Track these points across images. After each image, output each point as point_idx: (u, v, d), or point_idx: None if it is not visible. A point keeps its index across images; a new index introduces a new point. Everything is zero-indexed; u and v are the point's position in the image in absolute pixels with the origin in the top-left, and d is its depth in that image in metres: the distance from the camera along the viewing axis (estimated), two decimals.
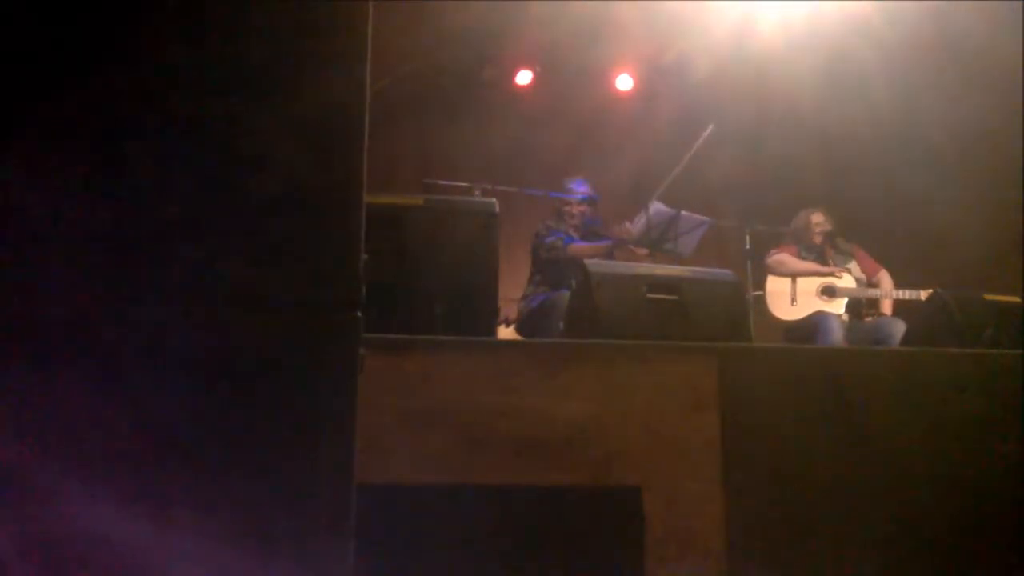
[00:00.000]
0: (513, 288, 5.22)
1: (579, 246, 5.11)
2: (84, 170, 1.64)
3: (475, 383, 2.62)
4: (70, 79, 1.65)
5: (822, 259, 5.48)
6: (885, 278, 5.41)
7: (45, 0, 1.66)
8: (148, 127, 1.67)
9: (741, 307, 3.43)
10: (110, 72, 1.66)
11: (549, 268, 5.06)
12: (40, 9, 1.66)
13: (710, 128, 5.20)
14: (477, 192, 5.03)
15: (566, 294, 4.40)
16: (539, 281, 5.09)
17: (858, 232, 5.77)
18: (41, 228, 1.60)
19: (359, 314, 1.69)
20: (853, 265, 5.44)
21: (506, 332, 5.25)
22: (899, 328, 4.83)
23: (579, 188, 5.33)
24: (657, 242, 5.12)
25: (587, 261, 3.87)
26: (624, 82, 7.03)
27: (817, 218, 5.53)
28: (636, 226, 5.13)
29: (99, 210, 1.63)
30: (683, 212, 5.14)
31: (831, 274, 5.36)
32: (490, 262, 3.11)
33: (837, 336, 5.03)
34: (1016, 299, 3.83)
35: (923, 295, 4.94)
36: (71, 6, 1.67)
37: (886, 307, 5.35)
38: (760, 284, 5.52)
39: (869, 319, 5.30)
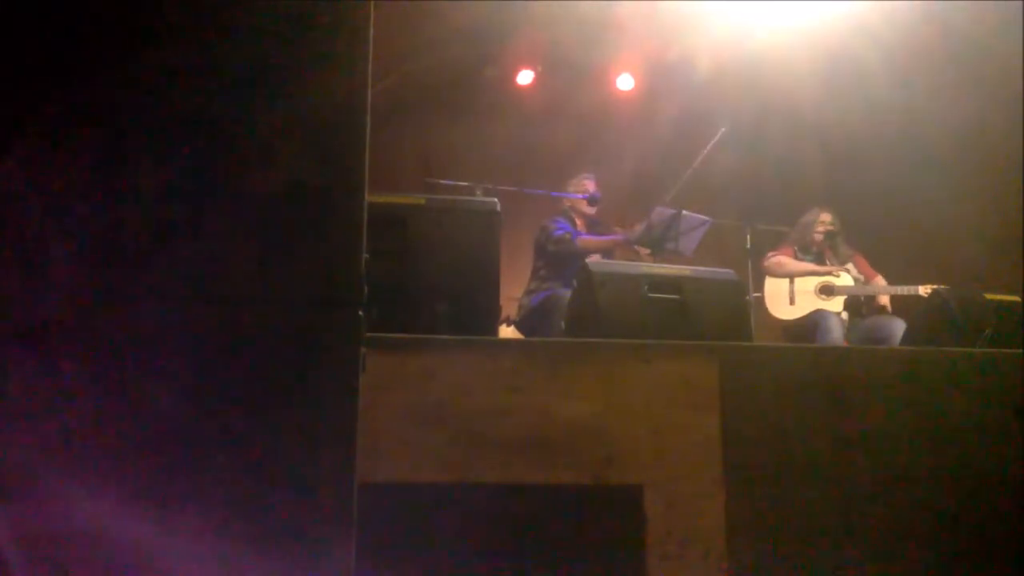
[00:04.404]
0: (515, 287, 5.22)
1: (588, 239, 5.13)
2: (86, 170, 1.64)
3: (476, 382, 2.62)
4: (71, 79, 1.66)
5: (820, 259, 5.49)
6: (881, 283, 5.42)
7: (48, 3, 1.66)
8: (149, 126, 1.68)
9: (742, 306, 3.43)
10: (111, 72, 1.67)
11: (556, 261, 5.07)
12: (42, 10, 1.66)
13: (721, 131, 5.22)
14: (479, 191, 5.03)
15: (567, 293, 4.40)
16: (544, 276, 5.09)
17: (858, 231, 5.77)
18: (43, 227, 1.60)
19: (361, 313, 1.69)
20: (851, 266, 5.44)
21: (508, 331, 5.25)
22: (899, 327, 4.84)
23: (589, 183, 5.34)
24: (658, 241, 5.13)
25: (588, 260, 3.87)
26: (625, 82, 7.03)
27: (824, 217, 5.53)
28: (638, 228, 5.15)
29: (101, 209, 1.63)
30: (684, 212, 5.14)
31: (829, 273, 5.38)
32: (492, 261, 3.11)
33: (836, 334, 5.04)
34: (1016, 298, 3.83)
35: (921, 290, 4.94)
36: (73, 6, 1.68)
37: (883, 300, 5.35)
38: (759, 285, 5.53)
39: (869, 321, 5.30)
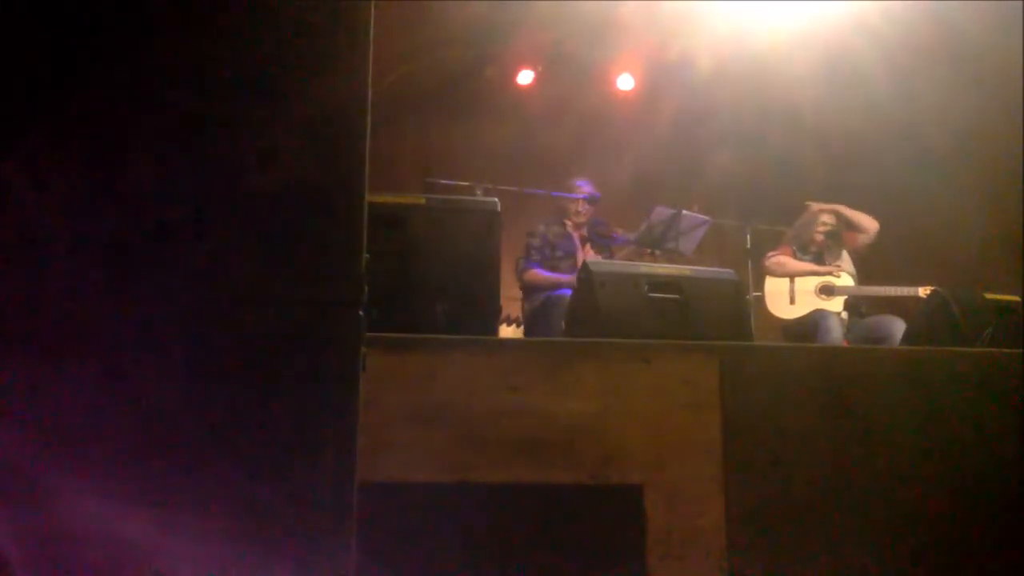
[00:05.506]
0: (515, 287, 5.23)
1: (536, 273, 5.11)
2: (87, 170, 1.65)
3: (477, 382, 2.63)
4: (73, 80, 1.66)
5: (819, 259, 5.49)
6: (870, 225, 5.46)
7: (48, 3, 1.67)
8: (150, 127, 1.68)
9: (742, 306, 3.43)
10: (112, 73, 1.67)
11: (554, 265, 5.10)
12: (43, 12, 1.66)
13: (708, 223, 5.33)
14: (479, 191, 5.04)
15: (567, 293, 4.40)
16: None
17: None
18: (45, 227, 1.60)
19: (361, 313, 1.69)
20: (846, 261, 5.45)
21: (508, 331, 5.25)
22: (899, 327, 4.83)
23: (583, 187, 5.34)
24: (658, 241, 5.13)
25: (588, 260, 3.88)
26: (625, 81, 7.03)
27: (825, 217, 5.53)
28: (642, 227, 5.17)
29: (102, 210, 1.63)
30: (684, 211, 5.15)
31: (829, 273, 5.38)
32: (492, 261, 3.11)
33: (836, 334, 5.05)
34: (1016, 298, 3.83)
35: (921, 292, 4.95)
36: (73, 7, 1.68)
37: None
38: (759, 285, 5.54)
39: (869, 321, 5.30)
